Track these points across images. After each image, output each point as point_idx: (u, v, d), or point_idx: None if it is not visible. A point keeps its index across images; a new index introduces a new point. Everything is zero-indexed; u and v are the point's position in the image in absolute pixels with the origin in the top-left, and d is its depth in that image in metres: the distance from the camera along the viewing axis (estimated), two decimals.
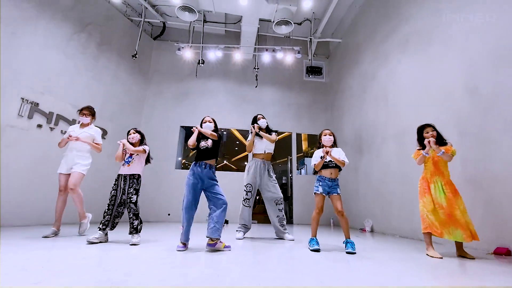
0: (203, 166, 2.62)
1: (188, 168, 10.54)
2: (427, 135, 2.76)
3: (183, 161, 9.85)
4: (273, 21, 5.95)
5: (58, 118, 4.78)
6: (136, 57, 6.27)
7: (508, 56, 2.82)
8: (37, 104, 4.46)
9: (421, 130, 2.84)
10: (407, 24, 4.47)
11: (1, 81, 4.00)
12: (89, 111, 3.38)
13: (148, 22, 7.29)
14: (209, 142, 2.72)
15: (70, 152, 3.25)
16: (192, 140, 2.69)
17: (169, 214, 6.29)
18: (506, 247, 2.69)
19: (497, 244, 2.77)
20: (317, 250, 2.59)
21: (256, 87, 7.30)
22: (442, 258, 2.40)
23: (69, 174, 3.19)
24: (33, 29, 4.50)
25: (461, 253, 2.51)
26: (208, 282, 1.45)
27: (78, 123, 3.45)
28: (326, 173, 2.82)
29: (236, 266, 1.91)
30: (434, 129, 2.77)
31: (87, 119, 3.35)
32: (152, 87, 7.18)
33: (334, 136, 3.04)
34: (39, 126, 4.48)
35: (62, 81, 4.92)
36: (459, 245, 2.55)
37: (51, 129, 4.67)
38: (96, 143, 3.38)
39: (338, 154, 2.90)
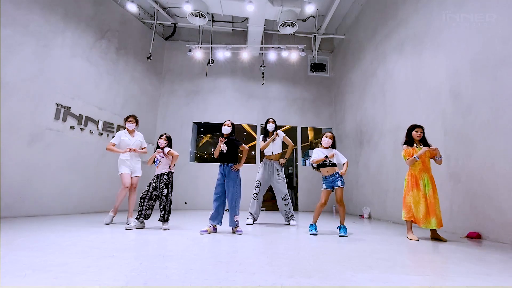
0: (223, 165, 3.23)
1: (200, 160, 11.18)
2: (415, 134, 3.16)
3: (195, 152, 10.47)
4: (278, 22, 6.28)
5: (87, 120, 5.37)
6: (150, 59, 6.74)
7: (486, 66, 3.18)
8: (69, 108, 5.05)
9: (411, 129, 3.22)
10: (403, 28, 4.78)
11: (39, 90, 4.57)
12: (134, 118, 3.91)
13: (160, 23, 7.70)
14: (224, 147, 3.25)
15: (130, 157, 3.78)
16: (216, 151, 3.30)
17: (186, 203, 6.95)
18: (477, 231, 3.16)
19: (470, 229, 3.25)
20: (315, 235, 3.13)
21: (262, 84, 7.71)
22: (418, 240, 2.90)
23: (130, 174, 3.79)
24: (61, 41, 5.01)
25: (435, 235, 3.00)
26: (228, 255, 2.01)
27: (124, 129, 3.92)
28: (324, 171, 3.29)
29: (248, 245, 2.47)
30: (423, 131, 3.17)
31: (132, 125, 3.87)
32: (166, 86, 7.69)
33: (334, 139, 3.44)
34: (72, 127, 5.09)
35: (88, 86, 5.48)
36: (433, 229, 3.03)
37: (82, 129, 5.28)
38: (142, 148, 3.91)
39: (337, 156, 3.33)
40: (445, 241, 2.91)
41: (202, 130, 12.53)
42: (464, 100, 3.44)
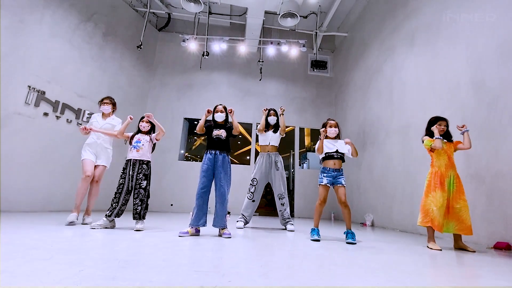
0: (215, 153, 2.70)
1: (191, 161, 10.61)
2: (439, 128, 2.70)
3: (186, 154, 9.92)
4: (279, 14, 5.91)
5: (64, 107, 4.83)
6: (141, 48, 6.27)
7: None
8: (44, 92, 4.51)
9: (433, 122, 2.78)
10: (414, 19, 4.42)
11: (9, 69, 4.05)
12: (109, 101, 3.34)
13: (153, 13, 7.27)
14: (223, 133, 2.75)
15: (96, 140, 3.20)
16: (200, 125, 2.74)
17: (172, 205, 6.37)
18: (506, 241, 2.70)
19: (497, 239, 2.79)
20: (317, 240, 2.62)
21: (260, 80, 7.28)
22: (441, 250, 2.42)
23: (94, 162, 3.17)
24: (40, 18, 4.52)
25: (460, 245, 2.53)
26: (209, 263, 1.50)
27: (100, 112, 3.36)
28: (330, 164, 2.84)
29: (237, 250, 1.95)
30: (447, 124, 2.75)
31: (107, 108, 3.30)
32: (156, 78, 7.20)
33: (338, 128, 3.04)
34: (46, 114, 4.54)
35: (68, 71, 4.96)
36: (457, 238, 2.57)
37: (57, 117, 4.73)
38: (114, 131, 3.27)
39: (342, 147, 2.91)
40: (474, 251, 2.44)
41: (195, 131, 12.04)
42: (489, 91, 3.03)
